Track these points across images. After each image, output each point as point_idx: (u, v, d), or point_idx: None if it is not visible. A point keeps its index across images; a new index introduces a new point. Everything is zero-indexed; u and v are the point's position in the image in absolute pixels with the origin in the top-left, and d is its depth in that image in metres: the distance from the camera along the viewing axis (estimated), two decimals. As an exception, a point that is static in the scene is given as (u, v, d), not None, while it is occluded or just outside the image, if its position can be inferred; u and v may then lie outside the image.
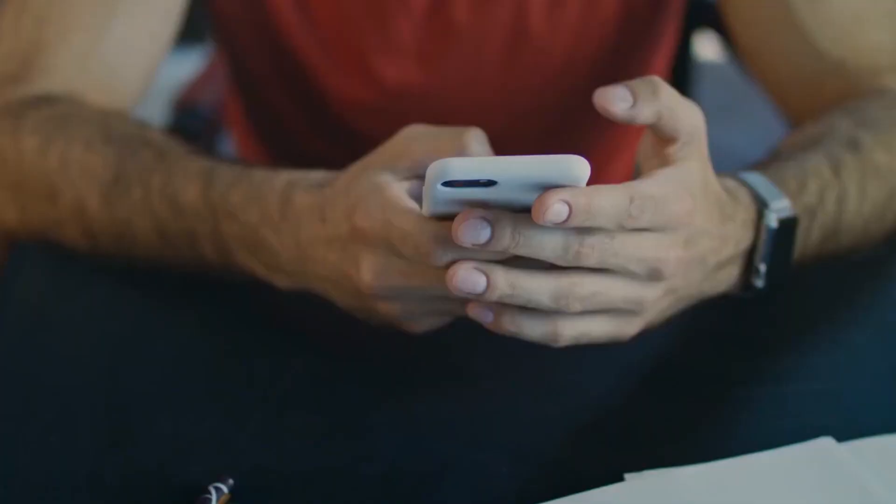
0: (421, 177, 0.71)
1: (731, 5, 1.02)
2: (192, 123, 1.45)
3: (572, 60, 1.12)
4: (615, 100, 0.68)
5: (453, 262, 0.66)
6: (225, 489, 0.66)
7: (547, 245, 0.65)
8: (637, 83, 0.68)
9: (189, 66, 1.61)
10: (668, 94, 0.69)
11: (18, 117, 0.90)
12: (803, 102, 0.98)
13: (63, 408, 0.74)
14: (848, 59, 0.96)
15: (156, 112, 1.47)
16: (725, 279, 0.76)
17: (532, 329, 0.68)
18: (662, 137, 0.70)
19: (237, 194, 0.79)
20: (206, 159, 0.84)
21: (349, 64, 1.12)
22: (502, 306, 0.68)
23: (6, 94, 0.94)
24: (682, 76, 1.60)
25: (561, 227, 0.63)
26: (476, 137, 0.72)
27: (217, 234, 0.81)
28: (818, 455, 0.69)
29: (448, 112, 1.12)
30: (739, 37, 1.03)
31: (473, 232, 0.64)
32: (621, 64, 1.14)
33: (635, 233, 0.67)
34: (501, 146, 0.75)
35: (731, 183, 0.77)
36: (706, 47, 1.75)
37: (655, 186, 0.67)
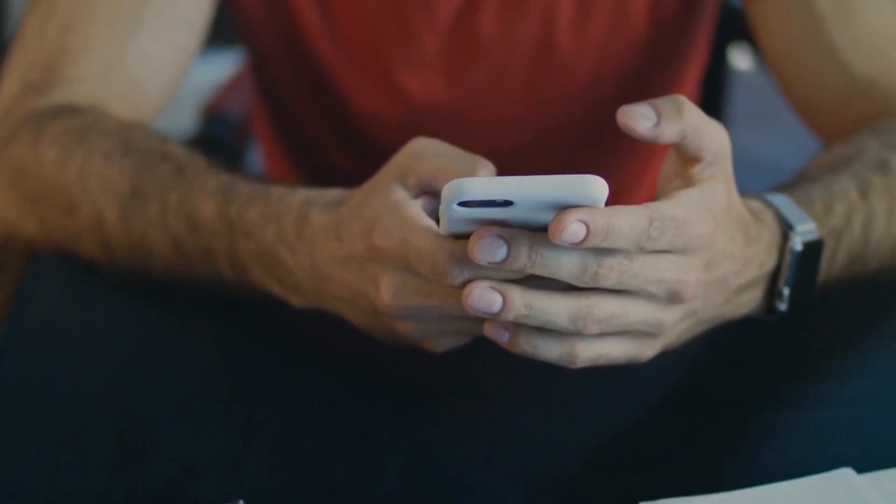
0: (429, 192, 0.71)
1: (761, 21, 1.01)
2: (220, 131, 1.45)
3: (599, 75, 1.11)
4: (639, 118, 0.67)
5: (470, 281, 0.65)
6: (234, 511, 0.66)
7: (564, 265, 0.64)
8: (661, 101, 0.67)
9: (220, 70, 1.61)
10: (693, 113, 0.68)
11: (39, 128, 0.90)
12: (831, 121, 0.97)
13: (73, 423, 0.74)
14: (878, 79, 0.95)
15: (186, 118, 1.47)
16: (748, 302, 0.75)
17: (548, 350, 0.67)
18: (686, 157, 0.69)
19: (254, 212, 0.79)
20: (224, 175, 0.83)
21: (374, 76, 1.12)
22: (519, 326, 0.67)
23: (29, 103, 0.94)
24: (716, 86, 1.58)
25: (578, 247, 0.62)
26: (487, 171, 0.71)
27: (233, 252, 0.80)
28: (837, 486, 0.67)
29: (472, 126, 1.11)
30: (768, 52, 1.02)
31: (489, 250, 0.63)
32: (649, 79, 1.13)
33: (655, 254, 0.65)
34: (526, 161, 0.74)
35: (755, 204, 0.76)
36: (740, 56, 1.73)
37: (676, 208, 0.66)
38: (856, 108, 0.95)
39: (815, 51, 0.96)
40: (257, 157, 1.41)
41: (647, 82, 1.13)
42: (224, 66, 1.65)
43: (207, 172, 0.84)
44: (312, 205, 0.76)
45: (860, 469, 0.69)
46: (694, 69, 1.21)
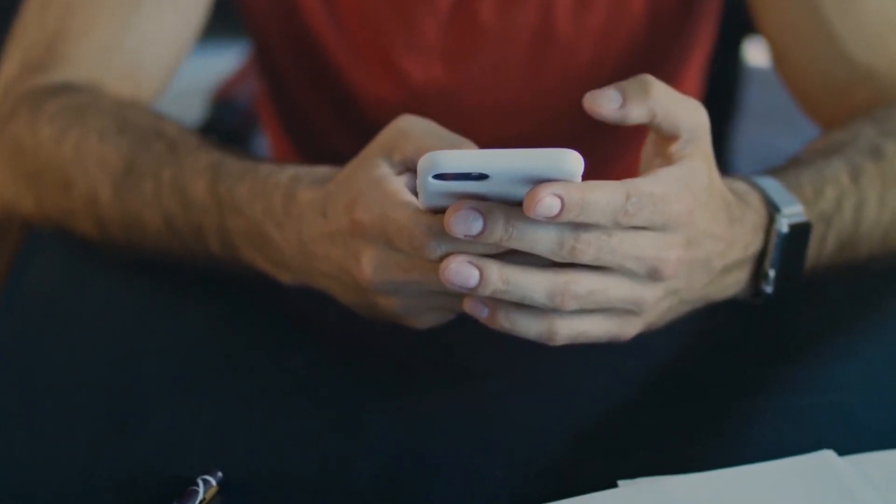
0: (413, 170, 0.70)
1: (762, 10, 1.00)
2: (229, 117, 1.45)
3: (598, 62, 1.11)
4: (604, 101, 0.67)
5: (448, 255, 0.65)
6: (213, 482, 0.66)
7: (541, 239, 0.63)
8: (627, 83, 0.68)
9: (229, 62, 1.62)
10: (662, 91, 0.68)
11: (37, 106, 0.91)
12: (832, 110, 0.97)
13: (62, 396, 0.75)
14: (878, 67, 0.94)
15: (195, 111, 1.48)
16: (733, 283, 0.75)
17: (527, 326, 0.67)
18: (663, 136, 0.69)
19: (243, 189, 0.79)
20: (216, 153, 0.84)
21: (375, 62, 1.12)
22: (497, 302, 0.66)
23: (28, 82, 0.94)
24: (729, 81, 1.58)
25: (553, 221, 0.62)
26: (467, 147, 0.70)
27: (223, 229, 0.81)
28: (817, 467, 0.67)
29: (474, 114, 1.12)
30: (770, 41, 1.02)
31: (465, 223, 0.63)
32: (649, 67, 1.13)
33: (634, 231, 0.65)
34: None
35: (741, 186, 0.76)
36: (756, 53, 1.73)
37: (654, 184, 0.65)
38: (856, 97, 0.95)
39: (816, 38, 0.96)
40: (265, 144, 1.42)
41: (648, 71, 1.13)
42: (233, 59, 1.66)
43: (199, 150, 0.84)
44: (300, 182, 0.76)
45: (846, 453, 0.68)
46: (697, 59, 1.21)
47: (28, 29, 0.98)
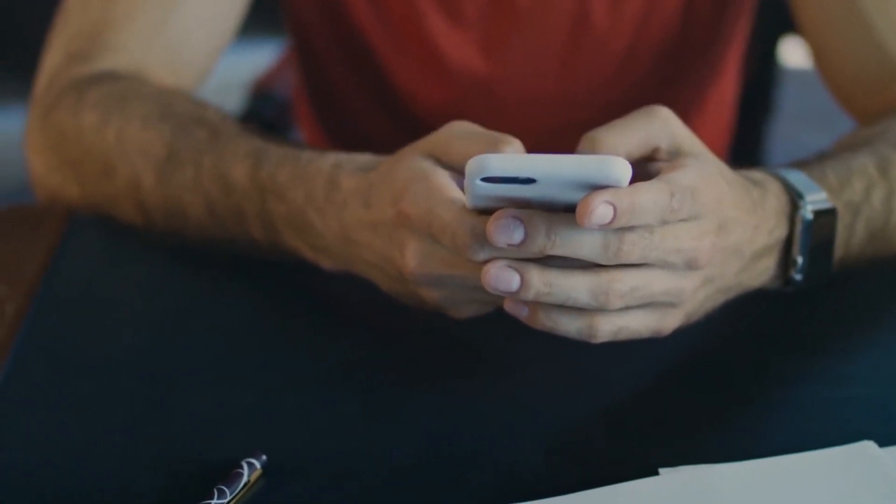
0: (459, 173, 0.70)
1: (801, 5, 1.00)
2: (267, 110, 1.46)
3: (634, 53, 1.11)
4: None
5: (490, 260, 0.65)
6: (258, 465, 0.66)
7: (585, 245, 0.64)
8: (585, 146, 0.70)
9: (270, 56, 1.63)
10: (610, 131, 0.70)
11: (80, 94, 0.92)
12: (867, 104, 0.97)
13: (105, 379, 0.76)
14: None
15: (236, 102, 1.49)
16: (763, 270, 0.75)
17: (568, 325, 0.67)
18: (648, 156, 0.71)
19: (284, 174, 0.79)
20: (257, 139, 0.84)
21: (415, 47, 1.12)
22: (538, 302, 0.66)
23: (72, 71, 0.95)
24: (765, 81, 1.58)
25: (605, 228, 0.62)
26: (513, 149, 0.70)
27: (265, 214, 0.81)
28: (858, 458, 0.67)
29: (510, 101, 1.12)
30: (808, 35, 1.02)
31: (506, 232, 0.63)
32: (684, 59, 1.13)
33: (672, 224, 0.66)
34: (562, 139, 0.74)
35: (758, 175, 0.76)
36: (794, 53, 1.72)
37: (688, 177, 0.66)
38: (892, 91, 0.95)
39: (853, 32, 0.96)
40: (301, 137, 1.43)
41: (682, 64, 1.13)
42: (271, 54, 1.66)
43: (240, 137, 0.85)
44: (342, 168, 0.77)
45: (882, 444, 0.68)
46: (733, 57, 1.21)
47: (71, 19, 0.99)
